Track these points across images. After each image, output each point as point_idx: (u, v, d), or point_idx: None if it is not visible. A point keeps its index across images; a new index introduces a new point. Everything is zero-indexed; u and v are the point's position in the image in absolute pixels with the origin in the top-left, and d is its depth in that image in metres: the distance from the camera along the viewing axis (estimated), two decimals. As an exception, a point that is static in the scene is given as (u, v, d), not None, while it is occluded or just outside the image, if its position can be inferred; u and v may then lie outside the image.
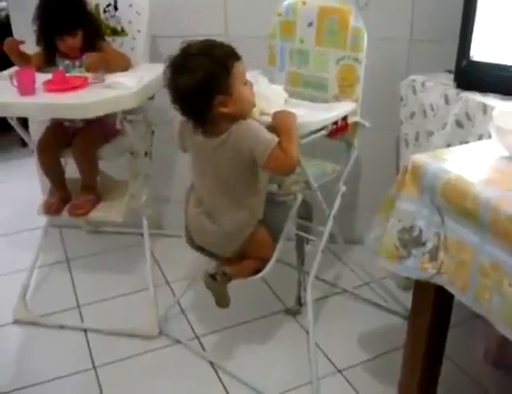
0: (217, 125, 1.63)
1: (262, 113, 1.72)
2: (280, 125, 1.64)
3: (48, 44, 2.12)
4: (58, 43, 2.11)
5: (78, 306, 2.34)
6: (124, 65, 2.14)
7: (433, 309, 1.47)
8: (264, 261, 1.80)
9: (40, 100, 1.84)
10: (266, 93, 1.76)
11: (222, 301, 1.85)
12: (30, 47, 2.15)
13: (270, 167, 1.62)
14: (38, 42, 2.13)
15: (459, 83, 1.94)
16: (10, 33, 2.58)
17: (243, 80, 1.63)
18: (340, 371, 1.97)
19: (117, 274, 2.53)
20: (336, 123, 1.82)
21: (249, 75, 1.76)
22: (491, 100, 1.78)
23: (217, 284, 1.78)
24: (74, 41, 2.10)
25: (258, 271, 1.80)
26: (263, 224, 1.78)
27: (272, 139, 1.59)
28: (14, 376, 2.00)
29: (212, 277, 1.76)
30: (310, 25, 1.98)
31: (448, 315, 1.53)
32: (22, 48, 2.12)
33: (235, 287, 2.10)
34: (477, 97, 1.82)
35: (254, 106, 1.68)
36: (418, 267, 1.37)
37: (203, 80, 1.55)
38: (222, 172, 1.68)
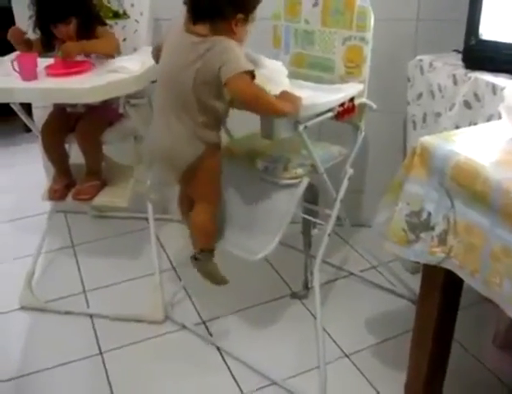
0: (211, 32, 1.62)
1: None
2: (283, 95, 1.64)
3: (45, 31, 2.09)
4: (53, 30, 2.08)
5: (84, 291, 2.33)
6: (107, 52, 2.08)
7: (442, 293, 1.46)
8: (216, 203, 1.82)
9: (42, 85, 1.82)
10: (272, 75, 1.73)
11: (216, 279, 1.87)
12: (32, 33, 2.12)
13: (232, 86, 1.58)
14: (35, 28, 2.10)
15: (468, 63, 1.91)
16: (12, 18, 2.55)
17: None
18: (347, 355, 1.96)
19: (123, 259, 2.52)
20: (342, 105, 1.79)
21: (254, 57, 1.75)
22: (501, 80, 1.75)
23: (203, 263, 1.83)
24: (68, 29, 2.06)
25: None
26: (217, 160, 1.78)
27: (247, 65, 1.58)
28: (21, 362, 2.00)
29: (194, 258, 1.84)
30: (315, 4, 1.94)
31: (457, 299, 1.51)
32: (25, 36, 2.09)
33: (241, 271, 2.09)
34: (485, 77, 1.79)
35: None
36: (427, 251, 1.35)
37: None
38: (187, 80, 1.63)
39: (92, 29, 2.12)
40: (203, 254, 1.83)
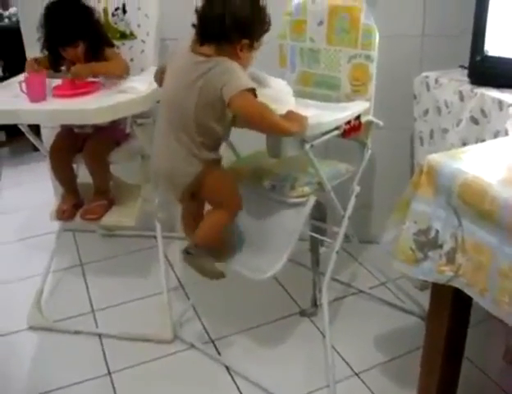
0: (216, 53, 1.65)
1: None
2: (288, 114, 1.64)
3: (53, 52, 2.11)
4: (61, 52, 2.09)
5: (92, 311, 2.33)
6: (116, 73, 2.08)
7: (451, 311, 1.44)
8: (231, 212, 1.80)
9: (49, 107, 1.83)
10: (277, 95, 1.73)
11: (211, 273, 1.83)
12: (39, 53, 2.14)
13: (235, 104, 1.59)
14: (42, 49, 2.12)
15: (474, 79, 1.91)
16: (20, 38, 2.58)
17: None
18: (357, 374, 1.94)
19: (131, 278, 2.53)
20: (348, 123, 1.80)
21: (259, 76, 1.76)
22: (507, 96, 1.74)
23: (194, 258, 1.80)
24: (75, 51, 2.08)
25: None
26: (222, 169, 1.81)
27: (248, 83, 1.60)
28: (29, 382, 2.00)
29: (187, 252, 1.79)
30: (321, 23, 1.95)
31: (467, 317, 1.49)
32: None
33: (249, 290, 2.09)
34: (492, 93, 1.79)
35: None
36: (435, 269, 1.34)
37: (252, 18, 1.66)
38: (190, 100, 1.65)
39: (100, 50, 2.13)
40: (197, 249, 1.79)
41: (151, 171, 1.84)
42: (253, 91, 1.61)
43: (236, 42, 1.65)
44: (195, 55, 1.67)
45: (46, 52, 2.13)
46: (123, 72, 2.10)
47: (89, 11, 2.15)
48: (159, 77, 1.82)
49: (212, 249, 1.81)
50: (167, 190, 1.84)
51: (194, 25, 1.68)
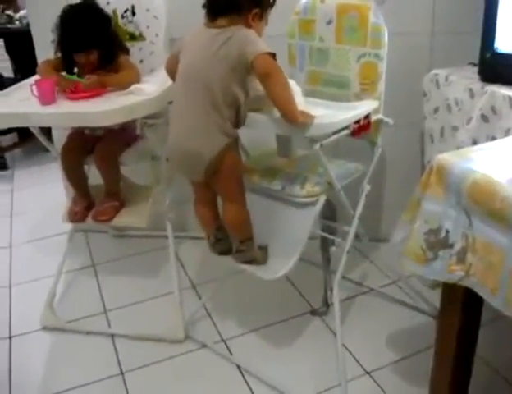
0: (229, 25, 1.70)
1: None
2: None
3: (66, 56, 2.11)
4: (75, 57, 2.10)
5: (105, 311, 2.35)
6: (126, 84, 2.03)
7: (462, 310, 1.44)
8: (242, 201, 1.82)
9: (60, 109, 1.84)
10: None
11: (260, 261, 1.87)
12: (50, 55, 2.15)
13: (259, 61, 1.63)
14: (56, 52, 2.12)
15: (484, 76, 1.89)
16: (31, 41, 2.60)
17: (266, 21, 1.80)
18: (368, 373, 1.94)
19: (143, 278, 2.54)
20: (358, 122, 1.79)
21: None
22: (518, 93, 1.73)
23: (245, 253, 1.86)
24: (88, 58, 2.08)
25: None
26: (238, 154, 1.81)
27: (268, 47, 1.65)
28: (42, 382, 2.02)
29: (237, 251, 1.87)
30: (329, 22, 1.95)
31: (478, 316, 1.49)
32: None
33: (261, 289, 2.09)
34: (502, 90, 1.78)
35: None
36: (446, 269, 1.34)
37: None
38: (213, 70, 1.68)
39: (113, 58, 2.13)
40: (245, 244, 1.85)
41: (168, 153, 1.83)
42: (273, 55, 1.65)
43: (247, 11, 1.71)
44: (210, 29, 1.71)
45: (59, 54, 2.13)
46: (135, 83, 2.05)
47: (106, 20, 2.15)
48: (171, 62, 1.83)
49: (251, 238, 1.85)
50: (186, 173, 1.84)
51: (204, 5, 1.74)
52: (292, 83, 1.79)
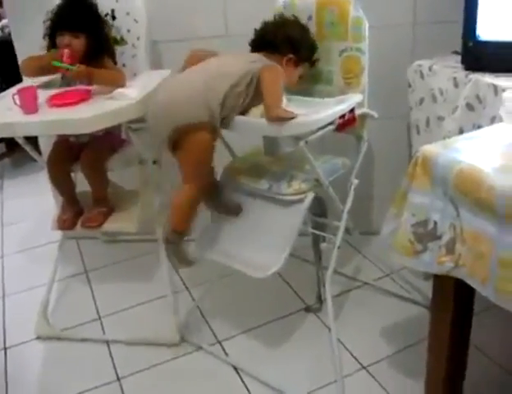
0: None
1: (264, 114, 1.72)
2: None
3: (52, 41, 2.09)
4: (58, 40, 2.06)
5: (99, 318, 2.34)
6: (112, 81, 2.01)
7: (454, 300, 1.43)
8: (199, 185, 1.80)
9: (43, 118, 1.81)
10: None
11: (187, 261, 1.89)
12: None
13: (266, 71, 1.76)
14: (45, 36, 2.10)
15: (467, 65, 1.89)
16: (13, 50, 2.58)
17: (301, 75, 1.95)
18: (364, 367, 1.94)
19: (136, 282, 2.53)
20: (343, 116, 1.79)
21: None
22: (502, 80, 1.72)
23: (173, 245, 1.84)
24: (72, 41, 2.04)
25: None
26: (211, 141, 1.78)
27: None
28: (39, 392, 2.01)
29: (166, 240, 1.86)
30: (309, 18, 1.94)
31: (470, 305, 1.48)
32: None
33: (253, 288, 2.08)
34: (486, 78, 1.77)
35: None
36: (435, 261, 1.33)
37: (301, 38, 1.91)
38: (237, 67, 1.79)
39: (100, 57, 2.11)
40: (175, 236, 1.82)
41: (151, 105, 1.82)
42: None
43: (283, 54, 1.88)
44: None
45: (44, 46, 2.11)
46: (121, 84, 2.03)
47: (102, 19, 2.18)
48: (193, 61, 1.91)
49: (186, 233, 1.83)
50: (156, 126, 1.81)
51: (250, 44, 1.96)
52: None
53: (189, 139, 1.72)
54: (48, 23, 2.09)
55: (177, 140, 1.74)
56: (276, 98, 1.69)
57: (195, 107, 1.71)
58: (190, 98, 1.72)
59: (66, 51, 1.99)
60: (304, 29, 1.93)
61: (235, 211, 1.94)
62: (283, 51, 1.87)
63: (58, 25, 2.07)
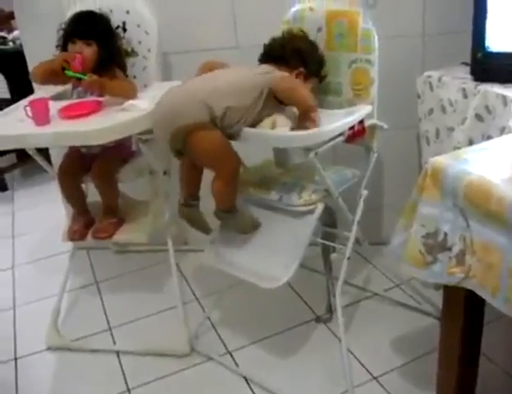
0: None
1: (275, 125, 1.74)
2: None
3: (64, 50, 2.11)
4: (70, 47, 2.08)
5: (109, 328, 2.34)
6: (123, 92, 2.03)
7: (464, 311, 1.43)
8: (225, 175, 1.80)
9: (54, 129, 1.83)
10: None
11: (202, 227, 2.02)
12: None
13: (282, 82, 1.79)
14: (57, 46, 2.13)
15: (476, 75, 1.90)
16: (24, 61, 2.61)
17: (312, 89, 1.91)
18: (375, 378, 1.94)
19: (147, 293, 2.54)
20: (352, 128, 1.79)
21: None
22: (511, 91, 1.73)
23: (189, 209, 1.99)
24: (84, 49, 2.07)
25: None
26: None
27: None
28: (50, 403, 2.02)
29: (183, 204, 1.98)
30: (319, 30, 1.95)
31: (481, 317, 1.48)
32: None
33: (264, 298, 2.07)
34: (495, 89, 1.78)
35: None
36: (446, 272, 1.33)
37: (311, 52, 1.93)
38: (247, 76, 1.82)
39: (111, 68, 2.13)
40: (191, 199, 1.97)
41: (154, 112, 1.83)
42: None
43: (294, 67, 1.88)
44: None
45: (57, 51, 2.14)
46: (132, 95, 2.05)
47: (113, 32, 2.21)
48: (207, 69, 1.94)
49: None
50: (161, 131, 1.80)
51: (260, 60, 1.96)
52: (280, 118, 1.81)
53: (191, 139, 1.72)
54: (61, 32, 2.13)
55: (184, 144, 1.74)
56: (305, 100, 1.76)
57: (195, 107, 1.71)
58: (191, 98, 1.73)
59: (78, 55, 2.03)
60: (312, 44, 1.94)
61: (253, 227, 1.93)
62: (293, 64, 1.88)
63: (70, 33, 2.10)
